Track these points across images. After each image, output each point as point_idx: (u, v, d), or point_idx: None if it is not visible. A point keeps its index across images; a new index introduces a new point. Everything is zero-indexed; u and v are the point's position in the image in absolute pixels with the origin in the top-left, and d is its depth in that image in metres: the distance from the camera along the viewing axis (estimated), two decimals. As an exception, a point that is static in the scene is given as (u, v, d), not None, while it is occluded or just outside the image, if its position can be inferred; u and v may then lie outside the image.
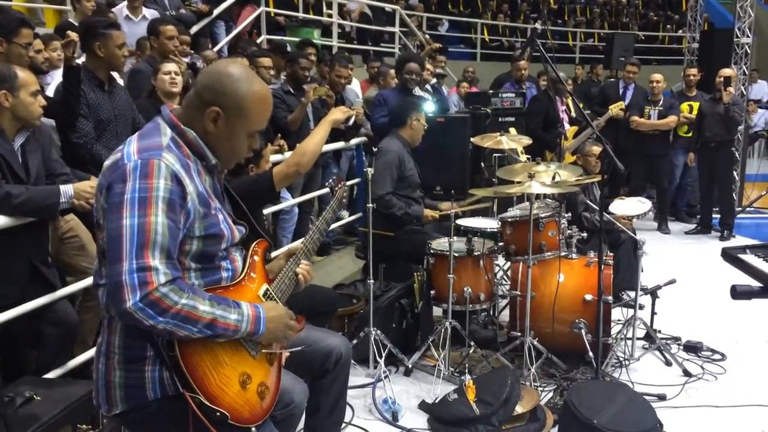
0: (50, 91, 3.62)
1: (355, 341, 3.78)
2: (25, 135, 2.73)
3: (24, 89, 2.66)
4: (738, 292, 2.28)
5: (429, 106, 5.67)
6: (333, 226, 5.79)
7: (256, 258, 2.00)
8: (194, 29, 6.29)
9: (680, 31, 13.85)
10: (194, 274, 1.79)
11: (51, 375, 2.74)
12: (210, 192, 1.82)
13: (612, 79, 9.01)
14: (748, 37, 8.65)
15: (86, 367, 3.14)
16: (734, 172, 7.90)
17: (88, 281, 3.03)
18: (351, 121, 4.96)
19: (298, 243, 2.20)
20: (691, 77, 7.59)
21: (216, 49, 6.60)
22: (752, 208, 8.25)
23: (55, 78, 3.67)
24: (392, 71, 6.18)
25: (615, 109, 6.87)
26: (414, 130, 4.42)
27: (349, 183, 5.96)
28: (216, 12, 6.79)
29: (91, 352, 3.08)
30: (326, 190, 5.50)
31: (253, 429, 1.78)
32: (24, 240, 2.68)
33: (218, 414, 1.68)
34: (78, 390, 2.34)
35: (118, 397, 1.74)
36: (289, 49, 6.55)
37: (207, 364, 1.71)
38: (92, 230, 3.17)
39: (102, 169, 1.74)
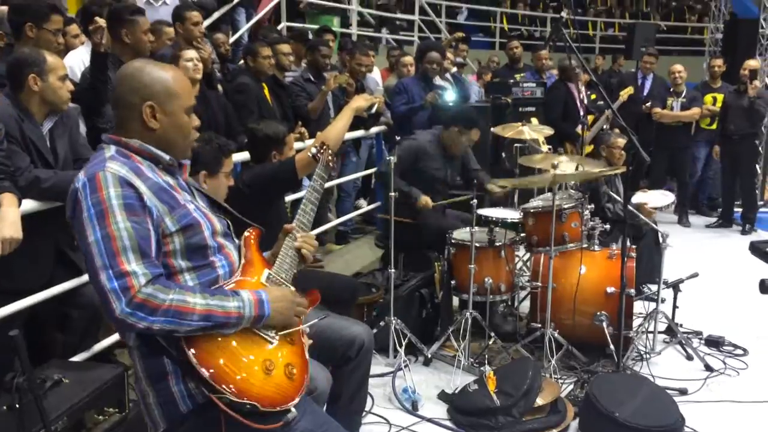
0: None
1: (374, 330, 3.79)
2: (54, 119, 2.75)
3: (53, 73, 2.67)
4: (767, 287, 2.26)
5: (449, 95, 5.64)
6: (353, 215, 5.81)
7: (250, 247, 2.00)
8: (215, 15, 6.28)
9: (705, 20, 13.65)
10: (189, 276, 1.80)
11: (77, 358, 2.77)
12: (175, 186, 1.84)
13: (632, 70, 8.92)
14: (773, 28, 8.52)
15: (110, 351, 3.18)
16: (756, 166, 7.79)
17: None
18: (373, 109, 4.94)
19: (296, 222, 2.19)
20: (716, 68, 7.47)
21: (236, 35, 6.60)
22: (774, 202, 8.15)
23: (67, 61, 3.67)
24: (407, 59, 6.15)
25: (625, 94, 6.82)
26: (451, 142, 4.40)
27: (368, 172, 6.03)
28: (236, -1, 6.78)
29: (115, 337, 3.11)
30: (346, 179, 5.57)
31: (292, 409, 1.78)
32: (51, 224, 2.70)
33: (248, 406, 1.68)
34: (105, 374, 2.36)
35: (158, 416, 1.78)
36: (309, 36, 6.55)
37: (225, 363, 1.71)
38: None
39: None
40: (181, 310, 1.65)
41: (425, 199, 4.27)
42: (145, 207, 1.71)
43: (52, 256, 2.74)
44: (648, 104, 7.24)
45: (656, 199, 4.58)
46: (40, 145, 2.65)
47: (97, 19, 3.15)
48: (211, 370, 1.67)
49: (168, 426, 1.78)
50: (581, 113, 6.21)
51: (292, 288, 1.99)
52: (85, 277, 2.83)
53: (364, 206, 6.27)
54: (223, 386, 1.66)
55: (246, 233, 2.02)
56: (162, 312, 1.63)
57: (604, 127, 6.22)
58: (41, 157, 2.65)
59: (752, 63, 6.95)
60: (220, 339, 1.72)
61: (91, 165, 1.75)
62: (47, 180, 2.56)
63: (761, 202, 8.00)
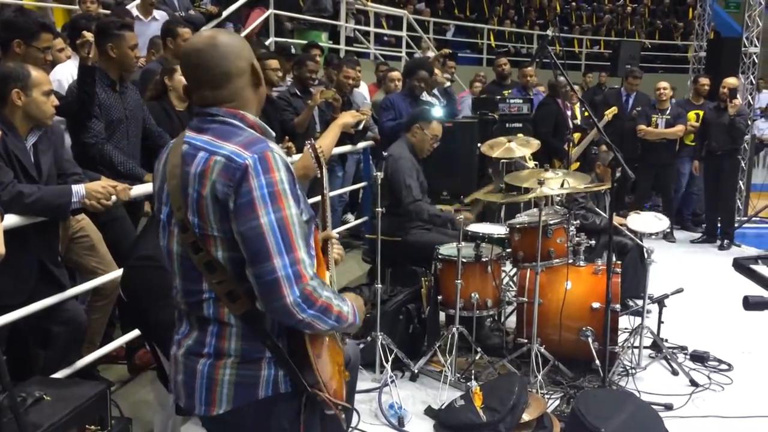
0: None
1: (361, 346, 3.78)
2: (38, 134, 2.73)
3: (37, 88, 2.66)
4: (751, 303, 2.26)
5: (437, 111, 5.68)
6: (340, 229, 5.80)
7: (317, 247, 1.95)
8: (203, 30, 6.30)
9: (689, 38, 13.87)
10: None
11: (59, 375, 2.74)
12: None
13: (614, 87, 9.06)
14: (755, 46, 8.65)
15: (93, 367, 3.15)
16: (740, 182, 7.89)
17: (98, 281, 3.04)
18: (361, 126, 4.97)
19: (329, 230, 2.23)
20: (706, 86, 7.56)
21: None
22: (757, 218, 8.24)
23: (56, 74, 3.67)
24: (394, 74, 6.19)
25: (610, 114, 6.91)
26: (416, 139, 4.41)
27: (355, 186, 6.04)
28: (225, 14, 6.81)
29: (97, 354, 3.09)
30: (331, 193, 5.56)
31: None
32: (34, 239, 2.68)
33: (340, 407, 1.75)
34: (87, 391, 2.33)
35: (224, 396, 1.68)
36: (293, 51, 6.58)
37: (324, 358, 1.75)
38: (103, 230, 3.17)
39: (204, 181, 1.60)
40: (328, 309, 1.63)
41: (466, 216, 4.18)
42: (297, 193, 1.65)
43: (35, 271, 2.71)
44: (636, 110, 7.30)
45: (650, 224, 4.52)
46: (23, 160, 2.62)
47: (85, 33, 3.15)
48: (319, 366, 1.70)
49: (234, 407, 1.69)
50: (570, 130, 6.26)
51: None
52: (69, 293, 2.82)
53: (352, 221, 6.27)
54: (325, 383, 1.71)
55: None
56: (317, 308, 1.60)
57: (595, 148, 6.26)
58: (25, 172, 2.62)
59: (731, 81, 7.04)
60: (321, 337, 1.75)
61: (247, 141, 1.62)
62: (30, 195, 2.53)
63: (744, 218, 8.10)
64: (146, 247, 2.50)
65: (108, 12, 5.16)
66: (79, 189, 2.69)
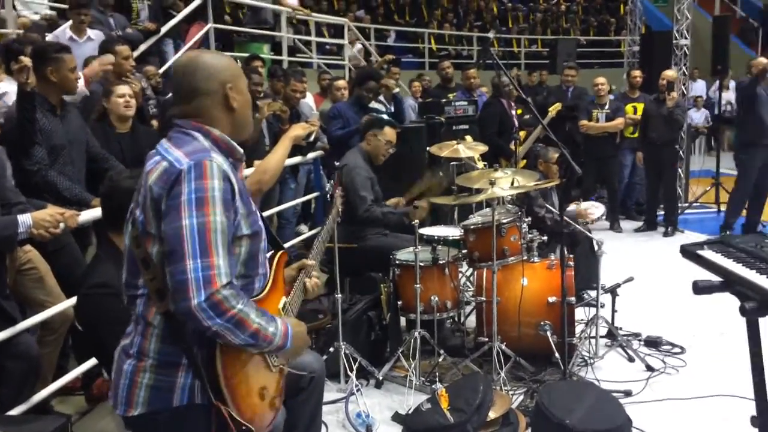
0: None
1: (324, 357, 3.76)
2: (-23, 164, 2.65)
3: (-26, 117, 2.58)
4: (699, 288, 2.35)
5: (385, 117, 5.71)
6: (294, 241, 5.77)
7: (278, 270, 2.02)
8: (142, 48, 6.19)
9: (622, 33, 14.31)
10: (237, 284, 1.76)
11: (14, 412, 2.65)
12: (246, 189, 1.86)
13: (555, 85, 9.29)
14: (686, 38, 8.98)
15: (47, 403, 3.04)
16: (679, 169, 8.16)
17: (47, 313, 2.94)
18: (312, 137, 4.96)
19: (310, 258, 2.35)
20: (636, 79, 7.82)
21: (165, 67, 6.50)
22: (698, 203, 8.54)
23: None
24: (340, 82, 6.19)
25: (553, 110, 7.06)
26: (371, 147, 4.44)
27: (307, 197, 6.01)
28: (164, 30, 6.70)
29: (52, 387, 2.99)
30: (285, 206, 5.54)
31: None
32: (-20, 273, 2.60)
33: (244, 428, 1.72)
34: (46, 426, 2.27)
35: (140, 398, 1.74)
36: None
37: (240, 377, 1.76)
38: (51, 259, 3.08)
39: (147, 181, 1.71)
40: (242, 323, 1.66)
41: (421, 208, 4.19)
42: (234, 205, 1.72)
43: (-17, 306, 2.62)
44: (575, 117, 7.50)
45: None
46: (-36, 192, 2.54)
47: (23, 58, 3.06)
48: (228, 382, 1.72)
49: (147, 411, 1.74)
50: (516, 129, 6.38)
51: (305, 325, 2.02)
52: (20, 326, 2.73)
53: (305, 232, 6.24)
54: (231, 400, 1.71)
55: (278, 256, 2.04)
56: (227, 318, 1.63)
57: (540, 145, 6.39)
58: (-34, 203, 2.54)
59: (669, 74, 7.29)
60: (243, 355, 1.77)
61: (192, 149, 1.72)
62: (-26, 227, 2.45)
63: (686, 204, 8.38)
64: (99, 274, 2.45)
65: (22, 32, 5.01)
66: (25, 219, 2.61)
